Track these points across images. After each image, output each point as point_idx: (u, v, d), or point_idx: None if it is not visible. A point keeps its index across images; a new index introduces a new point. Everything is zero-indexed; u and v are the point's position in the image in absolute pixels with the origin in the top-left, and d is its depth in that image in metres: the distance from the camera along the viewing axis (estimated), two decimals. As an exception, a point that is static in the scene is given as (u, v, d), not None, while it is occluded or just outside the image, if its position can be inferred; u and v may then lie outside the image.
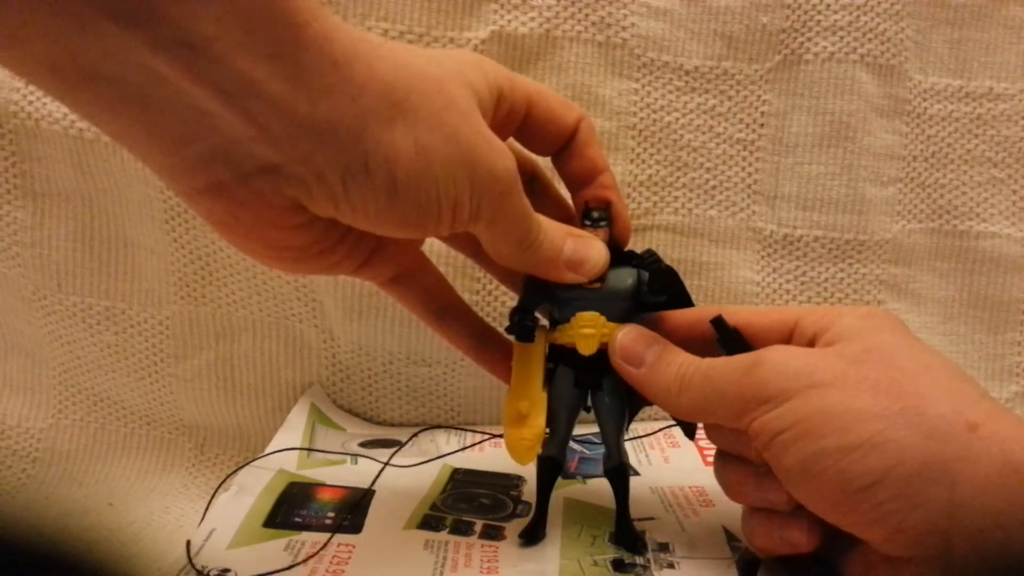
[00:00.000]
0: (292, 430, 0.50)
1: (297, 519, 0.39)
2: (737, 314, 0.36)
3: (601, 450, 0.50)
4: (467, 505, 0.41)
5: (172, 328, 0.54)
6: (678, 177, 0.55)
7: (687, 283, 0.39)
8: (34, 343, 0.55)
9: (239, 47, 0.24)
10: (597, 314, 0.36)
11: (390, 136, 0.27)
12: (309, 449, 0.48)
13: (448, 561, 0.36)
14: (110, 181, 0.52)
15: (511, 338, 0.38)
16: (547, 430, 0.37)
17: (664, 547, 0.37)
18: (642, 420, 0.56)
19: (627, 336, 0.36)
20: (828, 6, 0.53)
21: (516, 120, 0.35)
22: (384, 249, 0.34)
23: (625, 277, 0.37)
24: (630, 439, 0.52)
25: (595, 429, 0.54)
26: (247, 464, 0.45)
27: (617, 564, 0.35)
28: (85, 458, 0.55)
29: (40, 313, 0.54)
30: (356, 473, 0.45)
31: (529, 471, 0.46)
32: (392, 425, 0.56)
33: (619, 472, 0.37)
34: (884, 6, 0.53)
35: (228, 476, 0.45)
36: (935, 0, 0.55)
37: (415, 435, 0.52)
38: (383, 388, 0.55)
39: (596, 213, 0.37)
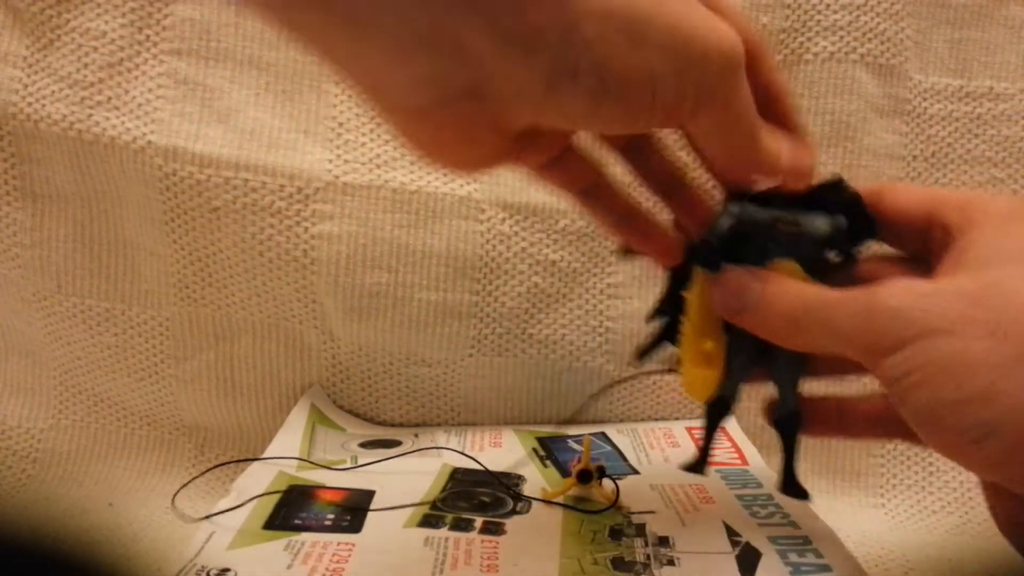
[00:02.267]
0: (292, 431, 0.50)
1: (297, 521, 0.39)
2: (894, 193, 0.35)
3: (601, 450, 0.50)
4: (467, 503, 0.41)
5: (172, 329, 0.54)
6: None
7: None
8: (34, 344, 0.55)
9: None
10: (796, 265, 0.34)
11: (601, 33, 0.26)
12: (308, 460, 0.48)
13: (448, 558, 0.36)
14: (109, 183, 0.52)
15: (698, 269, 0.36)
16: None
17: (664, 541, 0.37)
18: (643, 421, 0.56)
19: (723, 284, 0.34)
20: (828, 6, 0.53)
21: None
22: (540, 138, 0.32)
23: (819, 222, 0.35)
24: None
25: (595, 429, 0.54)
26: (245, 459, 0.46)
27: (617, 562, 0.35)
28: (85, 458, 0.55)
29: (40, 314, 0.54)
30: (356, 474, 0.45)
31: (526, 469, 0.46)
32: (392, 425, 0.56)
33: (791, 421, 0.37)
34: (884, 6, 0.53)
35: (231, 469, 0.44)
36: (935, 0, 0.55)
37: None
38: (383, 388, 0.55)
39: None
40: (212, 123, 0.51)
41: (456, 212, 0.53)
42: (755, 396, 0.38)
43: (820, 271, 0.35)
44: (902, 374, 0.29)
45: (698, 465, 0.38)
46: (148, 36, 0.51)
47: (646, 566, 0.35)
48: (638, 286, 0.55)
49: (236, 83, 0.52)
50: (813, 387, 0.38)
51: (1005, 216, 0.31)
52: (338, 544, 0.37)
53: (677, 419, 0.56)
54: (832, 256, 0.35)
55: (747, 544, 0.36)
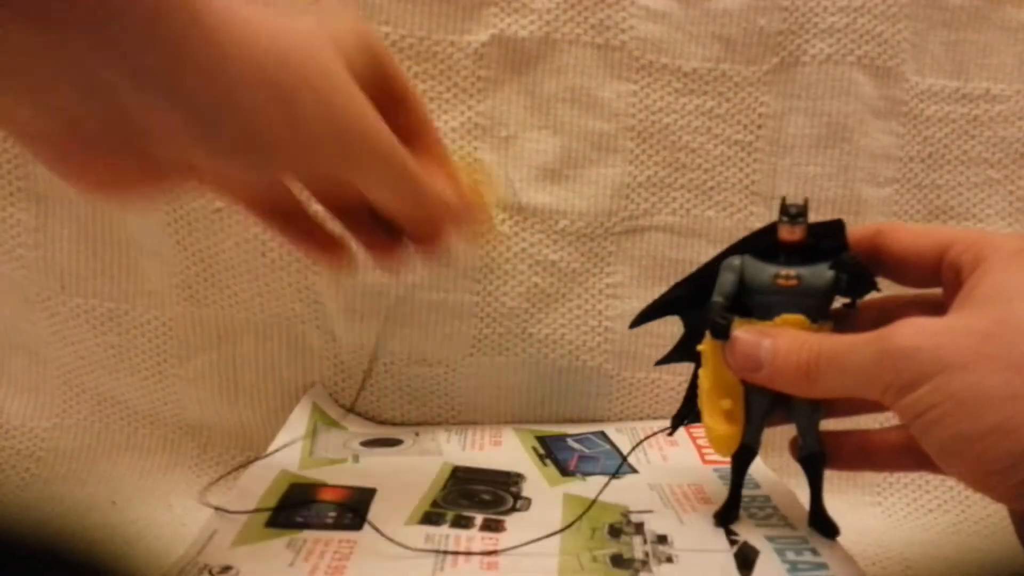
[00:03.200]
0: (294, 430, 0.51)
1: (299, 519, 0.40)
2: (898, 233, 0.36)
3: (600, 449, 0.51)
4: (467, 501, 0.42)
5: (175, 329, 0.55)
6: (676, 178, 0.55)
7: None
8: (38, 344, 0.55)
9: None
10: (803, 317, 0.35)
11: (252, 100, 0.27)
12: (310, 460, 0.49)
13: (448, 555, 0.36)
14: (113, 183, 0.52)
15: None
16: None
17: (663, 539, 0.37)
18: (642, 420, 0.57)
19: (734, 347, 0.36)
20: (825, 8, 0.54)
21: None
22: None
23: (821, 273, 0.35)
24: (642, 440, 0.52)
25: (594, 428, 0.55)
26: (250, 461, 0.46)
27: (616, 559, 0.36)
28: (88, 457, 0.55)
29: (44, 314, 0.54)
30: (358, 472, 0.46)
31: (526, 467, 0.47)
32: (393, 424, 0.56)
33: (814, 459, 0.38)
34: (881, 8, 0.54)
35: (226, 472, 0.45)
36: (932, 2, 0.55)
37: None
38: (384, 388, 0.55)
39: (794, 209, 0.35)
40: (214, 125, 0.52)
41: (456, 213, 0.53)
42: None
43: (826, 317, 0.36)
44: (922, 411, 0.30)
45: (730, 514, 0.39)
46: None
47: (644, 563, 0.35)
48: (637, 286, 0.56)
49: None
50: (835, 423, 0.39)
51: (1014, 253, 0.32)
52: (339, 542, 0.37)
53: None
54: (838, 302, 0.36)
55: (745, 543, 0.37)
